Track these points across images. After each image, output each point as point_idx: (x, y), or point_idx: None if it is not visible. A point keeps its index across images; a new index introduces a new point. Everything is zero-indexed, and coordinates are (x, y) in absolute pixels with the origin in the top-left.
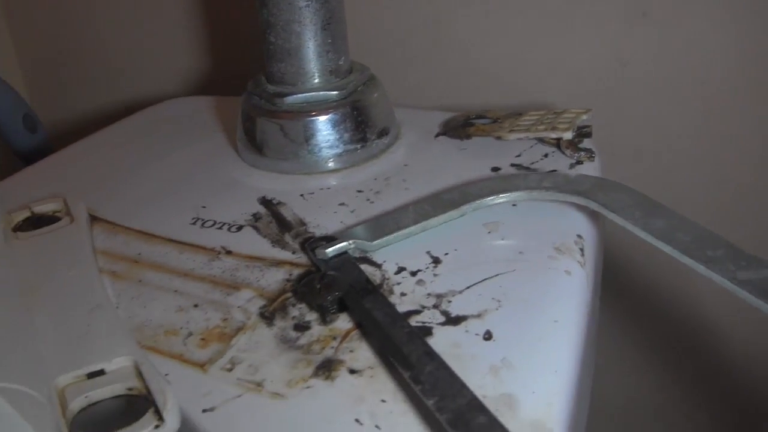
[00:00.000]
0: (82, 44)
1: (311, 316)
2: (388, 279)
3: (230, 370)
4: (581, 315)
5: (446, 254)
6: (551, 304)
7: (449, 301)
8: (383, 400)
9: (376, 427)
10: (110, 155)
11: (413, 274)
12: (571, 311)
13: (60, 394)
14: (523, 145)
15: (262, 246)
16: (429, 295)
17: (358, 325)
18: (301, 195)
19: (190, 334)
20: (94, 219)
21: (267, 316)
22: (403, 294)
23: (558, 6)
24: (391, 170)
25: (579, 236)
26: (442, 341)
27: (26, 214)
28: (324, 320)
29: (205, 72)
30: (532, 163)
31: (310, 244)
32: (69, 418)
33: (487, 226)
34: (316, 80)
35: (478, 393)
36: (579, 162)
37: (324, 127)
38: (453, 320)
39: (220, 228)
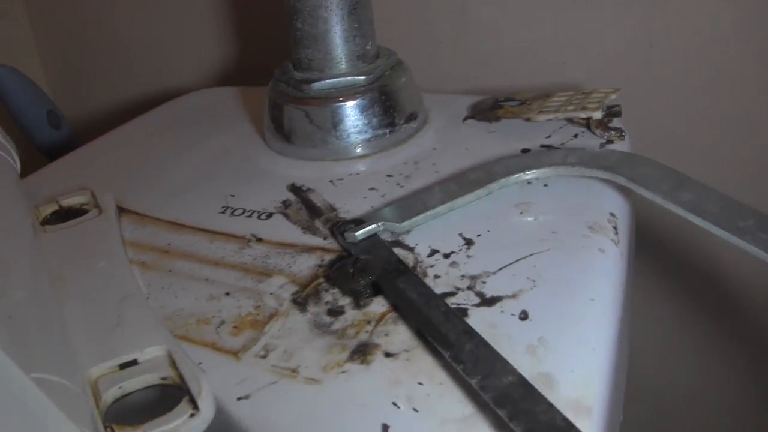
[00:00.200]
0: (104, 38)
1: (344, 301)
2: (421, 262)
3: (264, 357)
4: (617, 293)
5: (479, 235)
6: (587, 282)
7: (484, 282)
8: (420, 383)
9: (414, 410)
10: (137, 147)
11: (446, 256)
12: (607, 289)
13: (93, 385)
14: (552, 125)
15: (292, 232)
16: (463, 276)
17: (394, 307)
18: (331, 181)
19: (223, 322)
20: (122, 210)
21: (300, 302)
22: (437, 276)
23: None
24: (420, 154)
25: (612, 214)
26: (477, 322)
27: (54, 207)
28: (357, 304)
29: (230, 63)
30: (562, 144)
31: (339, 227)
32: (103, 408)
33: (519, 206)
34: (343, 66)
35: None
36: (609, 141)
37: (352, 112)
38: (488, 301)
39: (250, 216)
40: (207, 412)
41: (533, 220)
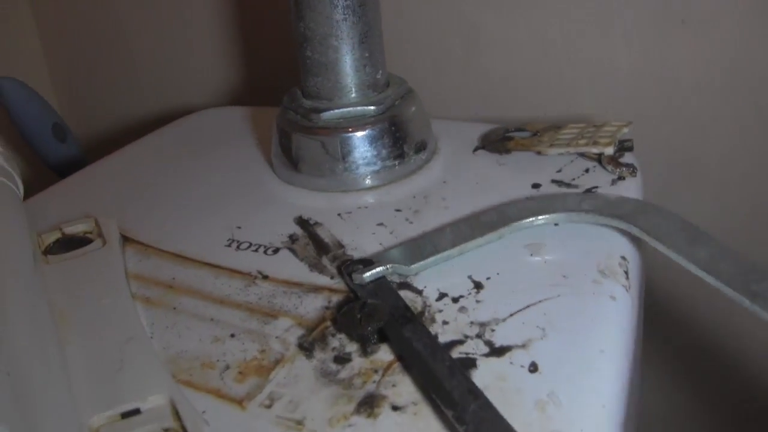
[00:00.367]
0: (113, 53)
1: (351, 347)
2: (429, 306)
3: (269, 406)
4: (627, 344)
5: (488, 278)
6: (597, 332)
7: (493, 330)
8: None
9: None
10: (143, 170)
11: (455, 300)
12: (617, 340)
13: None
14: (563, 159)
15: (299, 270)
16: (472, 323)
17: (399, 357)
18: (339, 214)
19: (228, 367)
20: (126, 240)
21: (306, 347)
22: (445, 322)
23: (597, 13)
24: (429, 187)
25: (623, 258)
26: (486, 374)
27: (57, 235)
28: (365, 351)
29: (240, 81)
30: (573, 179)
31: (347, 267)
32: None
33: (529, 247)
34: (353, 95)
35: (525, 431)
36: (621, 177)
37: (361, 143)
38: (497, 351)
39: (256, 250)
40: None
41: (543, 262)
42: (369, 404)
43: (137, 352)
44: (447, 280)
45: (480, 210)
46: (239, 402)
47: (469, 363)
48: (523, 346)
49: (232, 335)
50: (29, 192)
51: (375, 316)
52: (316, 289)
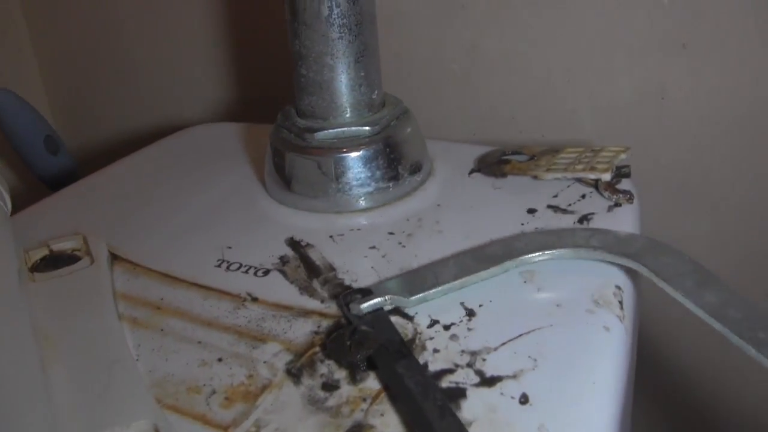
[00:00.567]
0: (108, 66)
1: (340, 374)
2: (420, 333)
3: None
4: (620, 376)
5: (480, 306)
6: (590, 363)
7: (484, 360)
8: None
9: None
10: (133, 186)
11: (446, 328)
12: (610, 372)
13: None
14: (560, 184)
15: (289, 293)
16: (463, 352)
17: (386, 386)
18: (331, 236)
19: (214, 392)
20: (114, 258)
21: (294, 373)
22: (436, 350)
23: (597, 37)
24: (423, 210)
25: (618, 287)
26: (476, 405)
27: (44, 252)
28: (353, 379)
29: (232, 97)
30: (569, 204)
31: (345, 297)
32: None
33: (523, 275)
34: (348, 115)
35: None
36: (618, 204)
37: (355, 164)
38: (488, 381)
39: (246, 272)
40: None
41: (537, 290)
42: None
43: (122, 376)
44: (439, 307)
45: (484, 243)
46: (225, 429)
47: (459, 393)
48: (514, 376)
49: (220, 359)
50: (20, 204)
51: (365, 343)
52: (306, 313)
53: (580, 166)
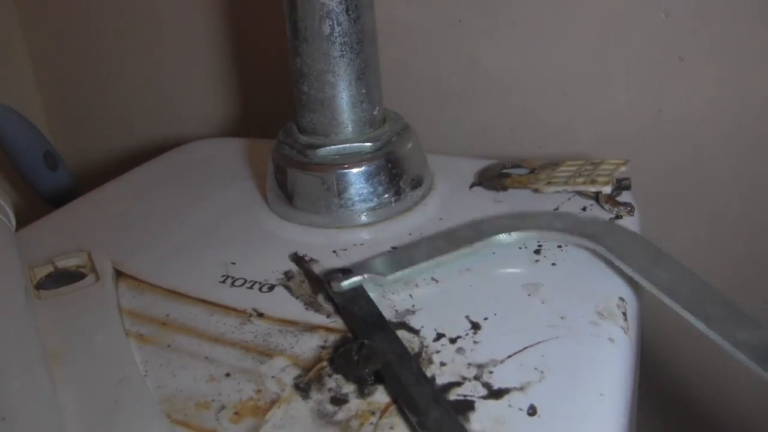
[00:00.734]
0: (107, 81)
1: (348, 388)
2: (426, 347)
3: None
4: (626, 387)
5: (486, 319)
6: (596, 375)
7: (491, 372)
8: None
9: None
10: (136, 201)
11: (453, 341)
12: (616, 383)
13: None
14: (560, 197)
15: (294, 308)
16: (470, 365)
17: (395, 399)
18: (334, 251)
19: (223, 407)
20: (119, 274)
21: (302, 388)
22: (443, 363)
23: (594, 50)
24: (425, 225)
25: (621, 299)
26: (484, 417)
27: (49, 269)
28: (362, 393)
29: (233, 112)
30: None
31: (326, 276)
32: None
33: (527, 287)
34: (350, 131)
35: None
36: (618, 216)
37: (357, 180)
38: (495, 393)
39: (251, 287)
40: None
41: (541, 302)
42: None
43: (131, 392)
44: (444, 320)
45: (455, 226)
46: None
47: (467, 405)
48: (522, 388)
49: (228, 374)
50: (20, 219)
51: (373, 357)
52: (312, 328)
53: (580, 179)
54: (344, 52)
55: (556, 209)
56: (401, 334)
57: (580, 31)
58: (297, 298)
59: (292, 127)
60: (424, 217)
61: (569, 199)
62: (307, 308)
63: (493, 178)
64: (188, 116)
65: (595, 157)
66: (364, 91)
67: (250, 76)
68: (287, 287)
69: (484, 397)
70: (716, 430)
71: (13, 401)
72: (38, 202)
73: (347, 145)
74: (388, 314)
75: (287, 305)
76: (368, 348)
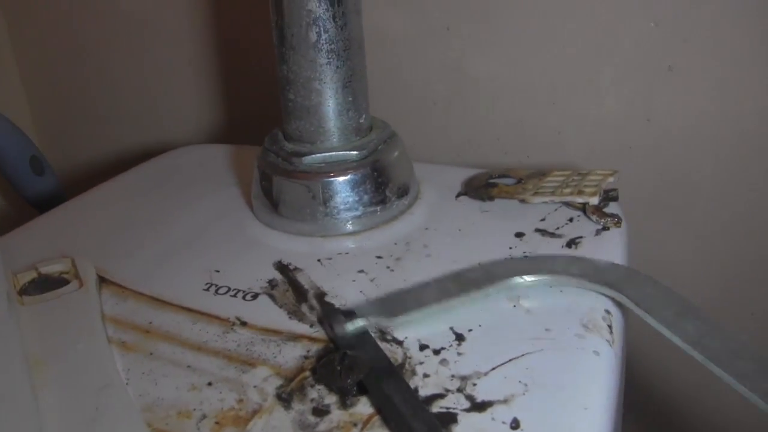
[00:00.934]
0: (93, 87)
1: (330, 399)
2: (410, 358)
3: None
4: (610, 400)
5: (470, 330)
6: (580, 388)
7: (474, 384)
8: None
9: None
10: (121, 207)
11: (436, 352)
12: (601, 397)
13: None
14: (547, 208)
15: (278, 317)
16: (453, 377)
17: (378, 410)
18: (319, 260)
19: (204, 416)
20: (102, 281)
21: (284, 398)
22: (426, 375)
23: (583, 58)
24: (411, 234)
25: (607, 311)
26: (467, 429)
27: (33, 275)
28: (344, 404)
29: (219, 118)
30: (557, 228)
31: (328, 317)
32: None
33: (512, 299)
34: (336, 139)
35: None
36: (605, 228)
37: (343, 188)
38: (478, 406)
39: (235, 295)
40: None
41: (526, 314)
42: None
43: (113, 400)
44: (428, 331)
45: (466, 267)
46: None
47: (450, 418)
48: (505, 401)
49: (210, 383)
50: (6, 225)
51: (355, 368)
52: (295, 337)
53: (567, 190)
54: (331, 60)
55: (543, 220)
56: (384, 346)
57: (569, 40)
58: (281, 307)
59: (278, 135)
60: (410, 227)
61: (556, 210)
62: (290, 317)
63: (479, 188)
64: (175, 122)
65: (583, 167)
66: (350, 98)
67: (237, 83)
68: (271, 296)
69: (467, 410)
70: None
71: None
72: (25, 207)
73: (333, 153)
74: (372, 328)
75: (271, 314)
76: (351, 358)
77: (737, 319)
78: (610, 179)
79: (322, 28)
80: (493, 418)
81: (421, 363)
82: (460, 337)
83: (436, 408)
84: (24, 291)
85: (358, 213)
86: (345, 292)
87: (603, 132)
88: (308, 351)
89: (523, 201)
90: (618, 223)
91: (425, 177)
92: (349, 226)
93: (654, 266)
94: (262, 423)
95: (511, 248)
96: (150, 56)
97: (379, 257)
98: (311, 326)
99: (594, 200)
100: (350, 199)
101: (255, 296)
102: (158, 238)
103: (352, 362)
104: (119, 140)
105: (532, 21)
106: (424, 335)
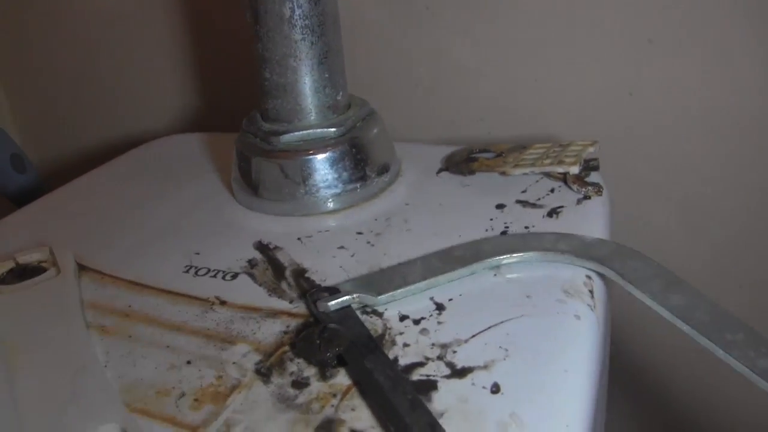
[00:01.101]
0: (71, 80)
1: (310, 372)
2: (390, 329)
3: None
4: (592, 364)
5: (450, 300)
6: (561, 352)
7: (454, 352)
8: None
9: None
10: (100, 198)
11: (416, 322)
12: (582, 360)
13: None
14: (528, 179)
15: (257, 295)
16: (433, 345)
17: (357, 382)
18: (299, 238)
19: (183, 394)
20: (82, 268)
21: (263, 373)
22: (406, 345)
23: (562, 34)
24: (392, 210)
25: (588, 277)
26: (447, 396)
27: (10, 264)
28: (323, 376)
29: (198, 107)
30: (538, 199)
31: (312, 295)
32: None
33: (492, 268)
34: (313, 117)
35: None
36: (587, 197)
37: (322, 166)
38: (459, 372)
39: (215, 276)
40: None
41: (507, 282)
42: (327, 429)
43: (89, 382)
44: (409, 302)
45: (452, 245)
46: (194, 430)
47: (430, 385)
48: (485, 367)
49: (189, 362)
50: None
51: (334, 341)
52: (275, 314)
53: (548, 161)
54: (305, 35)
55: (524, 191)
56: (365, 317)
57: (549, 16)
58: (260, 285)
59: (256, 115)
60: (390, 203)
61: (537, 181)
62: (270, 294)
63: (460, 163)
64: (153, 113)
65: (564, 139)
66: (327, 75)
67: (214, 71)
68: (251, 275)
69: (447, 377)
70: (692, 418)
71: None
72: (5, 203)
73: (311, 131)
74: (353, 305)
75: (250, 292)
76: (330, 331)
77: (724, 291)
78: (591, 149)
79: (295, 3)
80: (473, 384)
81: (401, 333)
82: (440, 307)
83: (416, 376)
84: (2, 281)
85: (337, 191)
86: (325, 268)
87: (585, 107)
88: (288, 326)
89: (503, 174)
90: (599, 192)
91: (407, 156)
92: (330, 204)
93: (640, 241)
94: (241, 398)
95: (491, 219)
96: (127, 48)
97: (359, 233)
98: (291, 302)
99: (574, 169)
100: (329, 177)
101: (235, 276)
102: (138, 225)
103: (331, 335)
104: (101, 134)
105: None
106: (405, 306)
